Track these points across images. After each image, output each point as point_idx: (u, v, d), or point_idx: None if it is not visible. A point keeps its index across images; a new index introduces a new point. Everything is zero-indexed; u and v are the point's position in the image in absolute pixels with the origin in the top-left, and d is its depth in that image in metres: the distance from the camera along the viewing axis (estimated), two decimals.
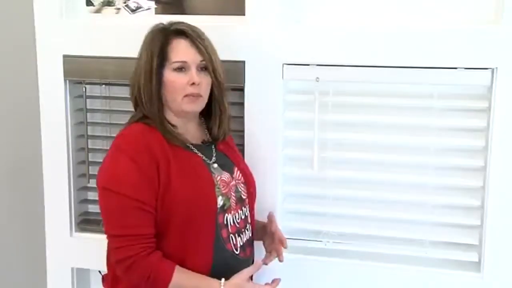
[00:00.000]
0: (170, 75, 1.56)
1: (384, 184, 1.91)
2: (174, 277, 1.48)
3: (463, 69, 1.77)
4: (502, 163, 1.78)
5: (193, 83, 1.56)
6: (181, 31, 1.59)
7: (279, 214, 1.94)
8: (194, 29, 1.60)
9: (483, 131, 1.82)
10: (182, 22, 1.62)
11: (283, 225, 1.98)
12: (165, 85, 1.57)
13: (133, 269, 1.48)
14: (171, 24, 1.61)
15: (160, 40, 1.56)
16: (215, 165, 1.63)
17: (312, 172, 1.91)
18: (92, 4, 2.10)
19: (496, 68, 1.74)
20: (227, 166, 1.66)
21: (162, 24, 1.62)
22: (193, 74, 1.56)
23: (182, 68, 1.56)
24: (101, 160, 2.12)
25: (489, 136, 1.79)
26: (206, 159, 1.62)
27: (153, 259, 1.48)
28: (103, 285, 1.72)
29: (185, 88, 1.56)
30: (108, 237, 1.53)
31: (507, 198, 1.79)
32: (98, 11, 2.10)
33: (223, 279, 1.52)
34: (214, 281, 1.52)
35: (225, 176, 1.63)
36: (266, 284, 1.62)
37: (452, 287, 1.87)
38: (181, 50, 1.57)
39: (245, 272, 1.55)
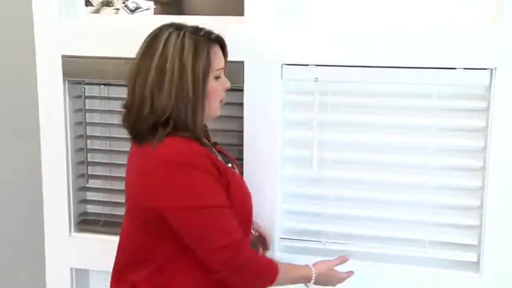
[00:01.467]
0: (213, 83, 1.53)
1: (383, 184, 1.91)
2: (279, 272, 1.54)
3: (462, 69, 1.77)
4: (501, 163, 1.78)
5: (227, 88, 1.60)
6: (218, 39, 1.57)
7: (278, 214, 1.95)
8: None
9: (482, 131, 1.82)
10: (203, 28, 1.56)
11: (282, 225, 1.99)
12: (208, 93, 1.51)
13: (251, 271, 1.49)
14: (199, 30, 1.54)
15: (205, 50, 1.50)
16: (229, 165, 1.65)
17: (311, 172, 1.91)
18: (91, 5, 2.10)
19: (495, 68, 1.75)
20: (231, 166, 1.68)
21: (186, 29, 1.52)
22: (226, 79, 1.59)
23: (220, 76, 1.57)
24: (100, 160, 2.16)
25: (488, 136, 1.79)
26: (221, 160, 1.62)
27: (259, 257, 1.61)
28: None
29: (221, 94, 1.58)
30: (214, 252, 1.44)
31: (506, 198, 1.79)
32: (97, 11, 2.10)
33: (312, 267, 1.62)
34: (307, 268, 1.63)
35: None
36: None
37: (451, 287, 1.87)
38: (219, 57, 1.56)
39: (332, 263, 1.67)
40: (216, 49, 1.56)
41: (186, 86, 1.46)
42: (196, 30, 1.54)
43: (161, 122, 1.46)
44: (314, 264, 1.65)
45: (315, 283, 1.64)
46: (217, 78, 1.56)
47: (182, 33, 1.49)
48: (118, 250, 1.62)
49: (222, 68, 1.58)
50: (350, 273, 1.71)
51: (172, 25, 1.54)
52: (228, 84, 1.60)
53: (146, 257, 1.53)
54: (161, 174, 1.42)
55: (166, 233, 1.47)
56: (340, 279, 1.69)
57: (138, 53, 1.53)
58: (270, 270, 1.53)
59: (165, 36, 1.49)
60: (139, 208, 1.49)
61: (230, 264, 1.45)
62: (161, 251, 1.51)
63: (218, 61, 1.55)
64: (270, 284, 1.54)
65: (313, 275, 1.62)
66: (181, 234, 1.45)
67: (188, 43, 1.48)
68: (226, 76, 1.61)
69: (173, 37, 1.49)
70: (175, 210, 1.43)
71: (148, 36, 1.54)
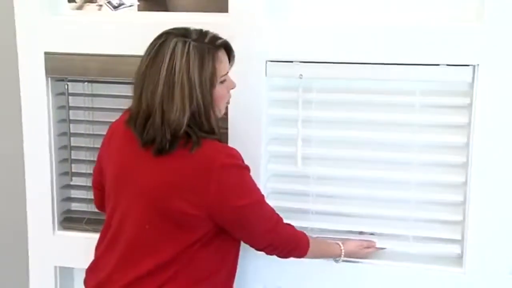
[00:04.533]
0: (220, 89, 1.58)
1: (367, 180, 1.92)
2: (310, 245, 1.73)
3: (445, 66, 1.79)
4: (484, 159, 1.80)
5: (233, 88, 1.65)
6: (223, 44, 1.59)
7: None
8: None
9: (465, 127, 1.84)
10: (208, 32, 1.58)
11: None
12: (215, 99, 1.56)
13: (288, 246, 1.68)
14: (204, 36, 1.56)
15: (211, 58, 1.53)
16: None
17: (296, 169, 1.91)
18: (74, 1, 2.09)
19: (478, 65, 1.76)
20: None
21: (191, 37, 1.53)
22: (232, 80, 1.64)
23: (225, 80, 1.61)
24: (84, 158, 2.15)
25: (471, 132, 1.81)
26: None
27: (294, 232, 1.72)
28: None
29: (227, 97, 1.65)
30: (261, 236, 1.62)
31: (489, 194, 1.81)
32: (80, 7, 2.09)
33: (342, 246, 1.84)
34: (336, 246, 1.85)
35: None
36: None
37: (435, 282, 1.89)
38: (224, 63, 1.59)
39: (361, 243, 1.89)
40: (221, 55, 1.58)
41: (195, 97, 1.50)
42: (201, 36, 1.55)
43: (180, 134, 1.50)
44: (343, 243, 1.86)
45: (344, 257, 1.86)
46: (222, 82, 1.59)
47: (187, 43, 1.51)
48: (125, 257, 1.60)
49: (227, 73, 1.61)
50: (375, 248, 1.93)
51: (177, 32, 1.54)
52: (234, 85, 1.65)
53: (169, 259, 1.55)
54: (224, 177, 1.51)
55: (199, 232, 1.55)
56: (367, 255, 1.91)
57: (143, 60, 1.54)
58: (303, 244, 1.72)
59: (171, 46, 1.50)
60: (183, 210, 1.51)
61: (274, 243, 1.64)
62: (186, 250, 1.55)
63: (223, 67, 1.58)
64: (302, 257, 1.73)
65: (342, 252, 1.84)
66: (233, 228, 1.58)
67: (193, 54, 1.50)
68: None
69: (179, 47, 1.50)
70: (241, 208, 1.54)
71: (154, 43, 1.54)
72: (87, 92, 2.12)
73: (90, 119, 2.14)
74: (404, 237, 1.93)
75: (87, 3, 2.08)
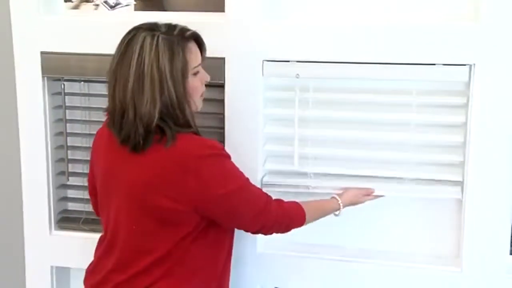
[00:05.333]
0: (192, 81, 1.56)
1: (365, 179, 1.92)
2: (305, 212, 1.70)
3: (442, 66, 1.79)
4: (481, 158, 1.80)
5: (206, 81, 1.63)
6: (193, 35, 1.58)
7: None
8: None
9: (461, 126, 1.84)
10: (177, 25, 1.58)
11: None
12: (188, 92, 1.55)
13: (283, 222, 1.66)
14: (173, 29, 1.55)
15: (180, 50, 1.52)
16: None
17: (293, 168, 1.91)
18: (70, 0, 2.08)
19: (474, 64, 1.76)
20: None
21: (160, 30, 1.53)
22: (205, 73, 1.62)
23: (198, 71, 1.59)
24: (81, 158, 2.14)
25: (468, 131, 1.81)
26: None
27: (286, 206, 1.68)
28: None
29: (201, 89, 1.62)
30: (252, 219, 1.60)
31: (486, 193, 1.81)
32: (76, 7, 2.08)
33: (339, 200, 1.81)
34: (333, 202, 1.81)
35: None
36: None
37: (432, 281, 1.89)
38: (195, 54, 1.58)
39: (359, 192, 1.86)
40: (192, 46, 1.57)
41: (167, 88, 1.49)
42: (170, 29, 1.54)
43: (152, 127, 1.49)
44: (340, 195, 1.84)
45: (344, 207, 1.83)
46: (195, 74, 1.57)
47: (156, 36, 1.50)
48: (111, 254, 1.61)
49: (199, 64, 1.59)
50: (373, 196, 1.88)
51: (145, 27, 1.54)
52: (207, 77, 1.63)
53: (162, 255, 1.55)
54: (202, 169, 1.49)
55: (186, 226, 1.54)
56: (366, 200, 1.87)
57: (114, 57, 1.54)
58: (299, 215, 1.70)
59: (140, 41, 1.50)
60: (165, 206, 1.50)
61: (267, 223, 1.62)
62: (178, 247, 1.55)
63: (194, 58, 1.56)
64: (301, 226, 1.71)
65: (341, 205, 1.81)
66: (221, 218, 1.57)
67: (162, 46, 1.49)
68: (206, 71, 1.62)
69: (148, 41, 1.50)
70: (225, 195, 1.52)
71: (123, 40, 1.54)
72: (83, 92, 2.12)
73: (87, 118, 2.14)
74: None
75: (84, 3, 2.08)
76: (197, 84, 1.59)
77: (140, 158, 1.51)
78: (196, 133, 1.57)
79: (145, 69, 1.48)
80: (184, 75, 1.52)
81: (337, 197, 1.82)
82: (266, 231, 1.65)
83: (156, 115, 1.48)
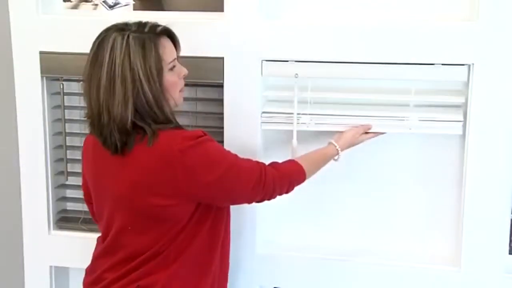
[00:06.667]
0: (169, 76, 1.54)
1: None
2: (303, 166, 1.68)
3: (440, 65, 1.79)
4: (479, 158, 1.80)
5: (184, 75, 1.59)
6: (165, 31, 1.56)
7: (259, 209, 1.95)
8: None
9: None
10: (148, 22, 1.55)
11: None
12: (166, 88, 1.53)
13: (282, 184, 1.63)
14: (143, 26, 1.53)
15: (152, 46, 1.50)
16: None
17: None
18: (69, 0, 2.08)
19: (473, 64, 1.76)
20: None
21: (130, 29, 1.51)
22: (182, 67, 1.59)
23: (174, 66, 1.57)
24: (80, 158, 2.13)
25: (466, 131, 1.81)
26: None
27: (282, 168, 1.65)
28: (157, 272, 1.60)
29: (179, 84, 1.59)
30: (250, 193, 1.58)
31: (484, 193, 1.81)
32: (75, 7, 2.08)
33: (336, 145, 1.77)
34: (331, 148, 1.77)
35: None
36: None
37: (431, 281, 1.89)
38: (169, 49, 1.56)
39: (356, 131, 1.81)
40: (164, 42, 1.55)
41: (141, 87, 1.47)
42: (140, 27, 1.52)
43: (128, 128, 1.47)
44: (337, 139, 1.80)
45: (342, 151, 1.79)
46: (171, 69, 1.55)
47: (126, 35, 1.49)
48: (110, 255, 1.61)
49: (175, 59, 1.57)
50: (373, 133, 1.84)
51: (115, 28, 1.52)
52: (184, 71, 1.60)
53: (156, 251, 1.54)
54: (187, 161, 1.47)
55: (180, 220, 1.53)
56: (365, 139, 1.83)
57: (87, 61, 1.53)
58: (298, 173, 1.67)
59: (110, 42, 1.49)
60: (158, 204, 1.50)
61: (267, 192, 1.60)
62: (174, 242, 1.55)
63: (169, 53, 1.55)
64: (303, 181, 1.69)
65: (338, 150, 1.77)
66: (220, 200, 1.58)
67: (133, 45, 1.48)
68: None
69: (118, 41, 1.48)
70: (223, 173, 1.51)
71: (94, 42, 1.53)
72: (82, 92, 2.11)
73: (85, 118, 2.13)
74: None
75: (83, 2, 2.07)
76: (174, 79, 1.56)
77: (124, 159, 1.50)
78: (178, 127, 1.55)
79: (116, 70, 1.46)
80: (160, 72, 1.50)
81: (334, 142, 1.78)
82: (269, 197, 1.63)
83: (129, 116, 1.46)
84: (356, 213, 1.95)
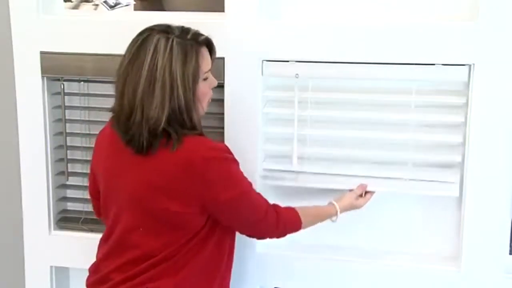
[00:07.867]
0: (203, 86, 1.56)
1: (363, 180, 1.92)
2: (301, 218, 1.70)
3: (441, 65, 1.79)
4: (480, 159, 1.80)
5: (214, 86, 1.63)
6: (206, 40, 1.58)
7: None
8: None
9: (460, 126, 1.84)
10: (190, 28, 1.56)
11: None
12: (197, 96, 1.54)
13: (281, 228, 1.66)
14: (186, 32, 1.54)
15: (194, 55, 1.51)
16: None
17: (292, 168, 1.91)
18: (69, 0, 2.08)
19: (473, 64, 1.76)
20: None
21: (174, 33, 1.51)
22: (213, 78, 1.62)
23: (208, 76, 1.59)
24: (80, 158, 2.15)
25: (467, 131, 1.81)
26: None
27: (283, 212, 1.67)
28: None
29: (209, 94, 1.62)
30: (255, 225, 1.63)
31: (484, 193, 1.81)
32: (75, 7, 2.08)
33: (336, 205, 1.79)
34: (330, 208, 1.80)
35: None
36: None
37: (431, 281, 1.89)
38: (207, 59, 1.58)
39: (354, 193, 1.84)
40: (204, 52, 1.57)
41: (177, 93, 1.48)
42: (183, 33, 1.53)
43: (158, 131, 1.48)
44: (337, 200, 1.82)
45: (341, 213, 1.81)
46: (205, 79, 1.57)
47: (170, 39, 1.49)
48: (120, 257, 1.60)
49: (209, 70, 1.59)
50: (370, 194, 1.87)
51: (159, 29, 1.53)
52: (215, 83, 1.64)
53: (165, 256, 1.55)
54: (208, 171, 1.49)
55: (193, 228, 1.55)
56: (364, 202, 1.85)
57: (125, 57, 1.53)
58: (294, 222, 1.69)
59: (153, 43, 1.49)
60: (173, 209, 1.51)
61: (262, 231, 1.66)
62: (184, 249, 1.56)
63: (206, 64, 1.57)
64: (297, 231, 1.71)
65: (338, 211, 1.80)
66: (221, 218, 1.58)
67: (176, 50, 1.49)
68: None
69: (162, 43, 1.49)
70: (229, 200, 1.53)
71: (136, 40, 1.53)
72: (83, 92, 2.12)
73: (86, 118, 2.14)
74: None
75: (83, 3, 2.08)
76: (206, 89, 1.59)
77: (146, 160, 1.51)
78: (202, 134, 1.57)
79: (157, 73, 1.47)
80: (195, 80, 1.52)
81: (335, 203, 1.81)
82: (260, 237, 1.69)
83: (164, 120, 1.48)
84: (356, 213, 1.94)
